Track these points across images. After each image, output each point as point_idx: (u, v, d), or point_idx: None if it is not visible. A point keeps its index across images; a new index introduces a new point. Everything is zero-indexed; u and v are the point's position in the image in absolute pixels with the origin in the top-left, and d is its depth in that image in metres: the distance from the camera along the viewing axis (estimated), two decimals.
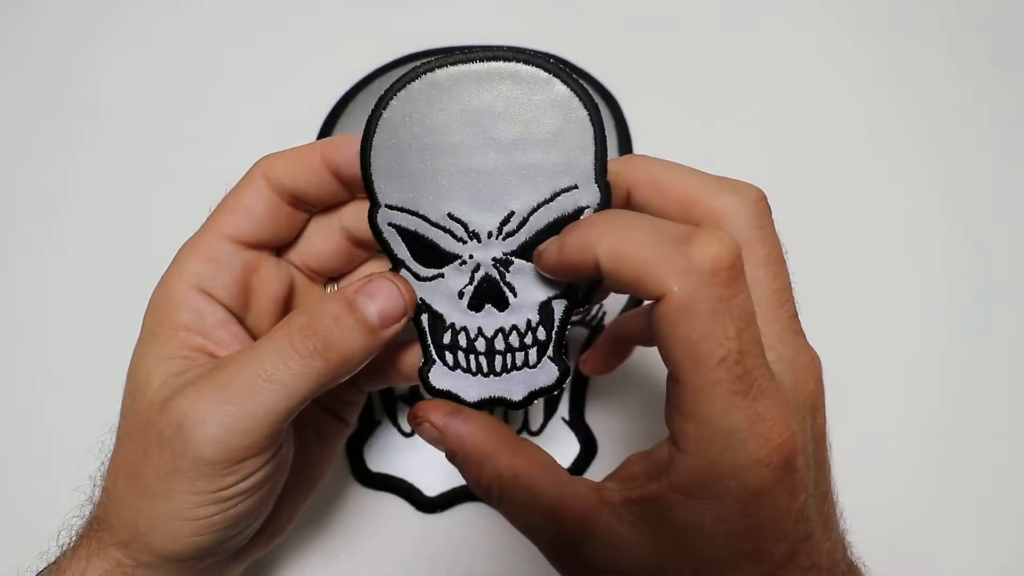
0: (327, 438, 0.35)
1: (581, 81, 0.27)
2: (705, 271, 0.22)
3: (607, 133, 0.27)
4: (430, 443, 0.30)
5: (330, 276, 0.34)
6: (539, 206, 0.28)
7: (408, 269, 0.30)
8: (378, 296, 0.28)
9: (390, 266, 0.30)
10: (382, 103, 0.28)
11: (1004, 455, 0.44)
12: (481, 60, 0.27)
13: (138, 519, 0.27)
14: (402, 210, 0.29)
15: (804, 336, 0.26)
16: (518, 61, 0.27)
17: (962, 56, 0.52)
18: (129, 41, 0.53)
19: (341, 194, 0.30)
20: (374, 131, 0.28)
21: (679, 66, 0.51)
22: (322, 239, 0.32)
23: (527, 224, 0.28)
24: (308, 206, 0.31)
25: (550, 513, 0.26)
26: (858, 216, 0.48)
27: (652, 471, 0.25)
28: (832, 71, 0.52)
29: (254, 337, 0.31)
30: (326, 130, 0.49)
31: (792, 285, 0.26)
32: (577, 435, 0.43)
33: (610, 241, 0.24)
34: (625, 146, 0.49)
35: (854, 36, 0.53)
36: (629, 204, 0.28)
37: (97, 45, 0.53)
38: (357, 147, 0.28)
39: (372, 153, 0.28)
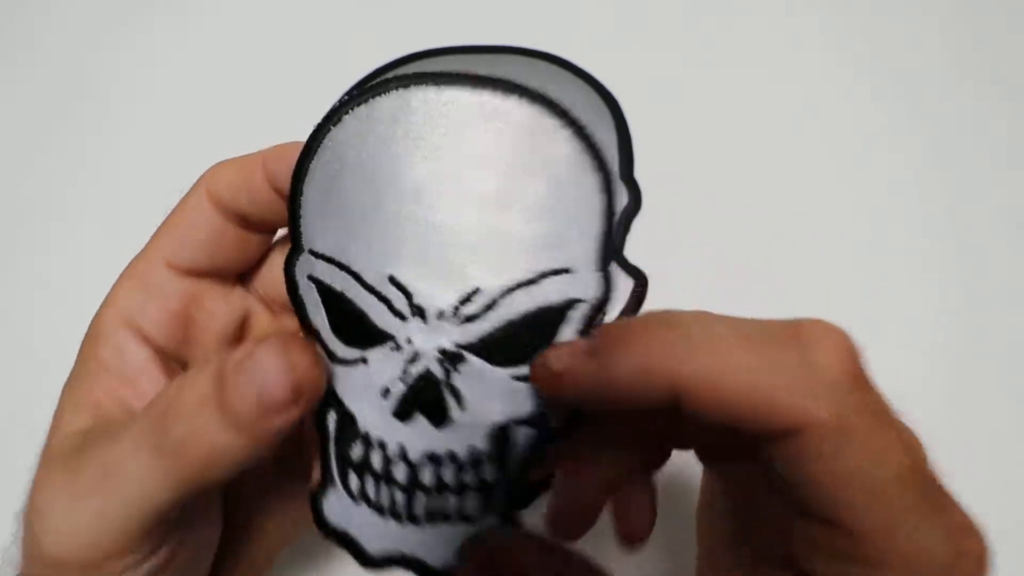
0: (291, 502, 0.28)
1: (594, 136, 0.20)
2: (844, 376, 0.18)
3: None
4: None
5: None
6: (516, 287, 0.20)
7: (323, 345, 0.21)
8: (258, 371, 0.19)
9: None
10: (333, 117, 0.21)
11: (1003, 455, 0.44)
12: (472, 86, 0.19)
13: None
14: (330, 261, 0.21)
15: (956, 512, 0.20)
16: (521, 96, 0.19)
17: (962, 58, 0.52)
18: (128, 41, 0.53)
19: None
20: (315, 150, 0.21)
21: (679, 66, 0.52)
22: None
23: (496, 309, 0.20)
24: (260, 228, 0.25)
25: None
26: (857, 216, 0.48)
27: None
28: (834, 70, 0.52)
29: None
30: None
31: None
32: None
33: (706, 361, 0.17)
34: (625, 146, 0.48)
35: (855, 36, 0.53)
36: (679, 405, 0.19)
37: (95, 44, 0.53)
38: (296, 159, 0.21)
39: (306, 179, 0.21)
